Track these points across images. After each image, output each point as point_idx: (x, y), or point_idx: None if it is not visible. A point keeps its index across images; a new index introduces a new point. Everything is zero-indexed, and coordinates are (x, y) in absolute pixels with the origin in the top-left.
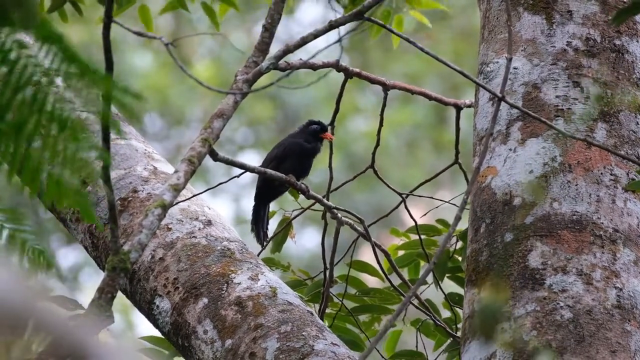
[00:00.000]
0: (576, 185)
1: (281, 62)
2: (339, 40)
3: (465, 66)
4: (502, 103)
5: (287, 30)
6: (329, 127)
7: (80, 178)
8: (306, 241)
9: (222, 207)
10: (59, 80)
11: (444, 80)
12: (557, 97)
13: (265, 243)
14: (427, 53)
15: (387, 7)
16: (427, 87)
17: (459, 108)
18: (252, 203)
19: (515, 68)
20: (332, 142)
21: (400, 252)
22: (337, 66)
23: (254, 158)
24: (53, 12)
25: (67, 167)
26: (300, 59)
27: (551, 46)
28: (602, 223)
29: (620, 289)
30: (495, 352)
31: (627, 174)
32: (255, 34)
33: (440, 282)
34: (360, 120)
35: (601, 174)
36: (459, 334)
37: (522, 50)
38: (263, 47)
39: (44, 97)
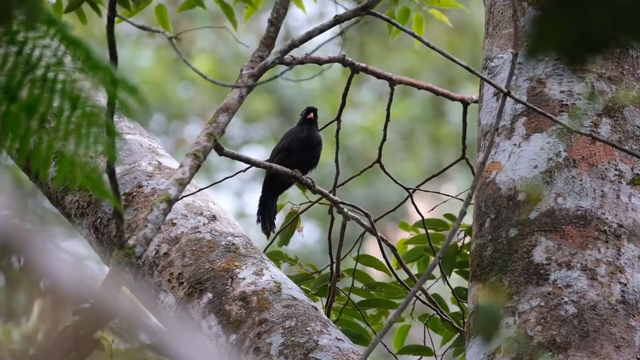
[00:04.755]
0: (581, 180)
1: (286, 56)
2: (342, 33)
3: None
4: (507, 98)
5: (284, 25)
6: (337, 122)
7: (97, 153)
8: (306, 236)
9: (224, 202)
10: (67, 61)
11: (439, 75)
12: (561, 92)
13: (271, 233)
14: (433, 48)
15: (406, 6)
16: (423, 81)
17: (465, 103)
18: (259, 195)
19: (519, 63)
20: (338, 137)
21: (409, 247)
22: (343, 61)
23: (253, 152)
24: (70, 12)
25: (82, 144)
26: (306, 53)
27: None
28: (607, 218)
29: (625, 284)
30: (500, 347)
31: (632, 169)
32: (253, 28)
33: (447, 276)
34: (357, 115)
35: (605, 169)
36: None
37: (526, 46)
38: (268, 41)
39: (55, 77)
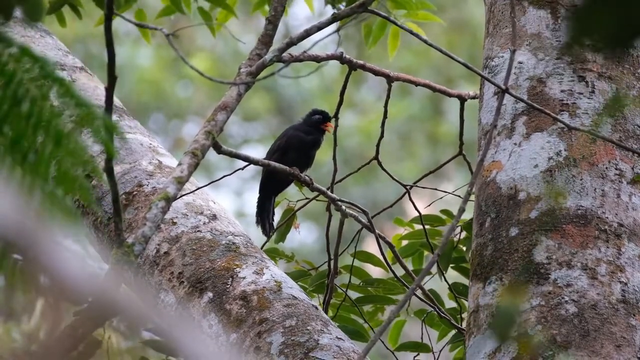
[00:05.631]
0: (581, 179)
1: (285, 54)
2: (337, 30)
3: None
4: (507, 97)
5: (283, 23)
6: (334, 120)
7: (74, 192)
8: (303, 236)
9: (224, 201)
10: (52, 95)
11: (438, 74)
12: (562, 91)
13: (271, 235)
14: (431, 46)
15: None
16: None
17: (462, 100)
18: (257, 195)
19: (520, 62)
20: (336, 135)
21: (404, 242)
22: (341, 58)
23: (253, 151)
24: (51, 14)
25: (62, 183)
26: (304, 51)
27: (556, 40)
28: (607, 217)
29: (625, 284)
30: (500, 346)
31: (632, 168)
32: (253, 27)
33: (444, 272)
34: (354, 115)
35: (606, 168)
36: (463, 324)
37: (527, 45)
38: (266, 39)
39: (40, 112)
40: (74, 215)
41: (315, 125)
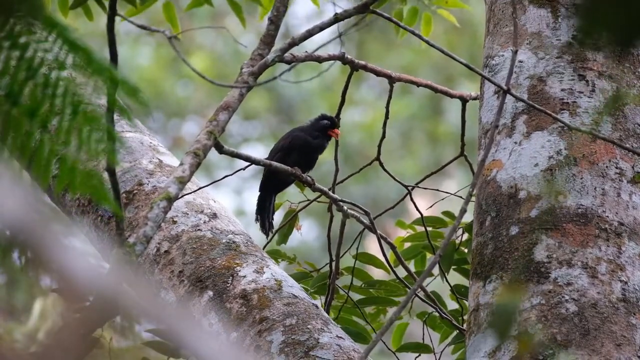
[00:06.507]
0: (581, 178)
1: (287, 54)
2: (340, 35)
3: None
4: (507, 96)
5: (283, 23)
6: (337, 120)
7: (99, 158)
8: (304, 234)
9: (224, 200)
10: (68, 65)
11: (438, 72)
12: (562, 90)
13: (270, 233)
14: (433, 46)
15: (415, 6)
16: (422, 78)
17: (464, 100)
18: (258, 194)
19: (520, 61)
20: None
21: (406, 245)
22: (343, 58)
23: (252, 150)
24: (76, 8)
25: (83, 150)
26: (306, 51)
27: (557, 39)
28: (608, 216)
29: (626, 282)
30: (500, 345)
31: (632, 167)
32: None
33: (446, 274)
34: (355, 113)
35: (606, 167)
36: (465, 326)
37: (527, 44)
38: (268, 39)
39: (56, 82)
40: (101, 184)
41: (322, 130)
